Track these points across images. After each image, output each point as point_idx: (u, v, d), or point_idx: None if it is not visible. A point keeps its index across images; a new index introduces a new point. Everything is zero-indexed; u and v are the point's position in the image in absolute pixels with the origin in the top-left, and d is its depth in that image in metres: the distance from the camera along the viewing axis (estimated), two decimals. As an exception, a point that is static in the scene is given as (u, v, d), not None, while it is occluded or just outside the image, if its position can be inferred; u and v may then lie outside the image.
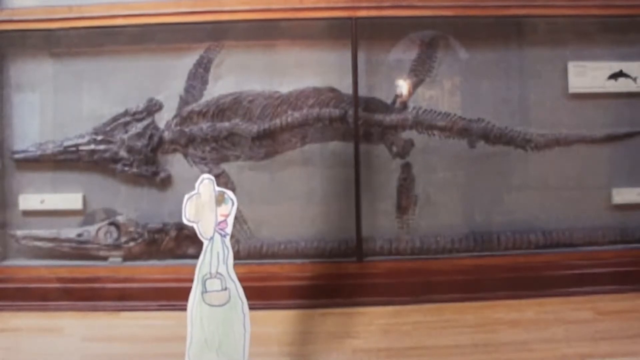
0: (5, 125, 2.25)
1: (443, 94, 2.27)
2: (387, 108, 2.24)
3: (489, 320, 1.91)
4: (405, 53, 2.25)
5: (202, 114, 2.23)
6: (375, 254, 2.19)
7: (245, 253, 2.20)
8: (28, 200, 2.24)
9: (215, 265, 1.36)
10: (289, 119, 2.22)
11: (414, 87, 2.25)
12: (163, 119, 2.24)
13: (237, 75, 2.24)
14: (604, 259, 2.16)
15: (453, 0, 2.13)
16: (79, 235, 2.19)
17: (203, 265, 1.37)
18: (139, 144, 2.21)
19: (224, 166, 2.25)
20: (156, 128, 2.23)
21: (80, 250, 2.20)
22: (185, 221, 1.36)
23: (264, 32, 2.22)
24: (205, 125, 2.22)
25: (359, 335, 1.83)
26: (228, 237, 1.36)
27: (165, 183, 2.25)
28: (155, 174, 2.23)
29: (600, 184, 2.28)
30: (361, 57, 2.18)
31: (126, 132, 2.22)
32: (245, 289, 2.06)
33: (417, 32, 2.23)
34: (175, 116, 2.23)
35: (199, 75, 2.23)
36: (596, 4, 2.16)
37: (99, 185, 2.25)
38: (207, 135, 2.22)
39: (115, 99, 2.23)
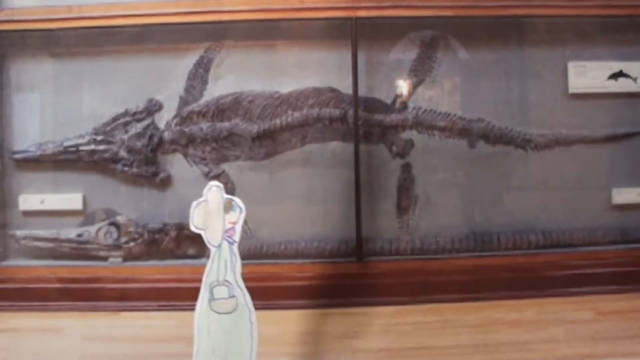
0: (5, 125, 2.25)
1: (443, 94, 2.27)
2: (387, 108, 2.24)
3: (489, 320, 1.91)
4: (405, 53, 2.24)
5: (202, 114, 2.23)
6: (375, 254, 2.19)
7: (245, 253, 2.18)
8: (28, 201, 2.24)
9: (223, 272, 1.35)
10: (289, 119, 2.22)
11: (414, 87, 2.25)
12: (163, 119, 2.24)
13: (237, 76, 2.24)
14: (604, 259, 2.16)
15: (453, 0, 2.13)
16: (79, 235, 2.19)
17: (210, 272, 1.35)
18: (139, 144, 2.21)
19: (224, 166, 2.25)
20: (156, 128, 2.23)
21: (80, 251, 2.20)
22: (192, 228, 1.35)
23: (264, 32, 2.22)
24: (205, 125, 2.22)
25: (358, 335, 1.83)
26: (236, 245, 1.36)
27: (165, 183, 2.25)
28: (155, 174, 2.23)
29: (600, 184, 2.28)
30: (361, 57, 2.18)
31: (126, 132, 2.22)
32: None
33: (417, 32, 2.23)
34: (175, 116, 2.23)
35: (199, 75, 2.23)
36: (596, 4, 2.16)
37: (99, 185, 2.25)
38: (207, 135, 2.22)
39: (115, 99, 2.23)
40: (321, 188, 2.24)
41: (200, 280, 2.08)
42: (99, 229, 2.20)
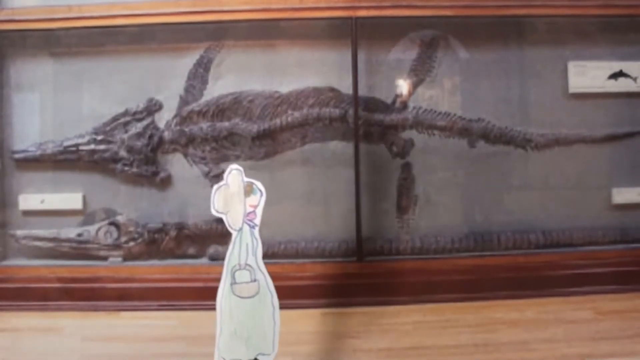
0: (5, 125, 2.25)
1: (443, 93, 2.27)
2: (387, 108, 2.24)
3: (489, 320, 1.91)
4: (405, 53, 2.24)
5: (202, 113, 2.23)
6: (375, 254, 2.19)
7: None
8: (28, 200, 2.24)
9: (244, 256, 1.34)
10: (289, 119, 2.22)
11: (414, 86, 2.25)
12: (163, 118, 2.24)
13: (237, 75, 2.24)
14: (604, 258, 2.16)
15: (453, 0, 2.13)
16: (79, 235, 2.19)
17: (232, 256, 1.34)
18: (139, 143, 2.21)
19: (224, 166, 2.25)
20: (156, 128, 2.23)
21: (80, 250, 2.20)
22: (213, 212, 1.34)
23: (264, 31, 2.22)
24: (205, 125, 2.22)
25: (359, 335, 1.83)
26: (257, 228, 1.34)
27: (165, 183, 2.25)
28: (155, 173, 2.23)
29: (600, 184, 2.28)
30: (361, 56, 2.18)
31: (126, 132, 2.22)
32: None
33: (417, 31, 2.23)
34: (175, 116, 2.23)
35: (199, 75, 2.23)
36: (596, 4, 2.16)
37: (99, 185, 2.24)
38: (207, 135, 2.22)
39: (115, 99, 2.23)
40: (321, 188, 2.24)
41: (199, 280, 2.10)
42: (99, 229, 2.20)
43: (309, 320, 1.94)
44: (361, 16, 2.13)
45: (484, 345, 1.71)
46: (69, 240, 2.19)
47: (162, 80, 2.24)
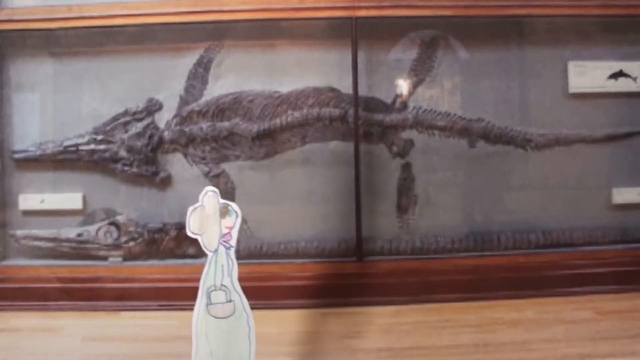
0: (5, 125, 2.25)
1: (443, 93, 2.27)
2: (387, 108, 2.24)
3: (489, 320, 1.91)
4: (405, 53, 2.24)
5: (202, 113, 2.23)
6: (375, 254, 2.19)
7: (245, 253, 2.20)
8: (28, 200, 2.24)
9: (220, 277, 1.35)
10: (289, 119, 2.22)
11: (414, 86, 2.25)
12: (163, 118, 2.24)
13: (237, 75, 2.24)
14: (604, 258, 2.16)
15: (453, 0, 2.13)
16: (79, 235, 2.19)
17: (207, 277, 1.36)
18: (139, 143, 2.21)
19: (224, 166, 2.25)
20: (156, 128, 2.23)
21: (80, 250, 2.20)
22: (189, 233, 1.35)
23: (264, 31, 2.22)
24: (205, 125, 2.22)
25: (359, 335, 1.83)
26: (233, 250, 1.36)
27: (165, 183, 2.25)
28: (155, 173, 2.23)
29: (600, 184, 2.28)
30: (361, 56, 2.18)
31: (126, 131, 2.22)
32: (245, 288, 2.06)
33: (417, 31, 2.23)
34: (175, 116, 2.23)
35: (199, 75, 2.23)
36: (596, 4, 2.16)
37: (99, 185, 2.25)
38: (207, 135, 2.22)
39: (115, 99, 2.23)
40: (321, 188, 2.24)
41: (199, 280, 2.09)
42: (99, 229, 2.20)
43: (308, 320, 1.94)
44: (361, 16, 2.13)
45: (484, 345, 1.71)
46: (69, 240, 2.19)
47: (162, 80, 2.24)
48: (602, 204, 2.28)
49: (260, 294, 2.05)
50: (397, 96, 2.25)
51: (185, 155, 2.24)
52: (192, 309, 2.04)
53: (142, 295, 2.09)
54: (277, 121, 2.22)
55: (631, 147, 2.28)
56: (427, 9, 2.13)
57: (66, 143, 2.21)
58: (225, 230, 1.36)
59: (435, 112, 2.24)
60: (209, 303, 1.35)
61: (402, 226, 2.25)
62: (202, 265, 2.24)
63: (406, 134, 2.24)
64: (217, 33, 2.22)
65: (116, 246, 2.19)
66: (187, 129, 2.22)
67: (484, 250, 2.20)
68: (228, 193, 2.23)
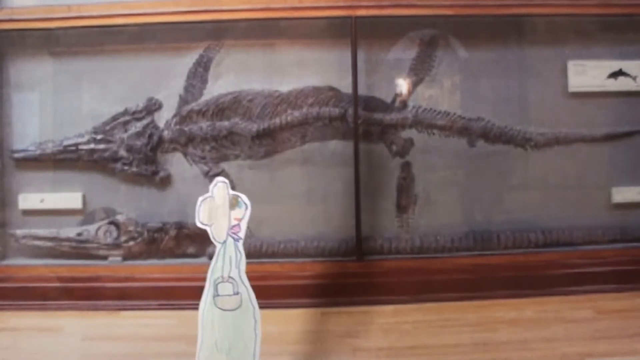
0: (5, 124, 2.25)
1: (443, 93, 2.27)
2: (386, 107, 2.24)
3: (489, 319, 1.91)
4: (404, 52, 2.24)
5: (201, 113, 2.23)
6: (375, 253, 2.19)
7: (245, 252, 2.19)
8: (28, 200, 2.24)
9: (228, 269, 1.35)
10: (289, 118, 2.22)
11: (414, 86, 2.25)
12: (163, 118, 2.24)
13: (236, 75, 2.24)
14: (603, 257, 2.16)
15: (453, 0, 2.13)
16: (79, 234, 2.19)
17: (215, 268, 1.35)
18: (139, 143, 2.21)
19: (224, 165, 2.25)
20: (156, 127, 2.23)
21: (80, 250, 2.20)
22: (198, 224, 1.34)
23: (263, 31, 2.22)
24: (204, 124, 2.22)
25: (359, 334, 1.83)
26: (241, 242, 1.35)
27: (165, 182, 2.25)
28: (155, 173, 2.23)
29: (600, 183, 2.28)
30: (361, 56, 2.18)
31: (126, 131, 2.22)
32: (245, 288, 2.06)
33: (417, 31, 2.23)
34: (174, 115, 2.23)
35: (199, 74, 2.23)
36: (596, 3, 2.16)
37: (98, 184, 2.24)
38: (206, 134, 2.22)
39: (114, 98, 2.23)
40: (321, 187, 2.24)
41: (199, 279, 2.08)
42: (99, 228, 2.20)
43: (308, 320, 1.94)
44: (361, 16, 2.13)
45: (484, 345, 1.71)
46: (68, 239, 2.19)
47: (162, 79, 2.24)
48: (602, 203, 2.28)
49: (260, 293, 2.04)
50: (396, 95, 2.25)
51: (185, 154, 2.24)
52: (192, 308, 2.04)
53: (142, 295, 2.09)
54: (277, 120, 2.22)
55: (631, 146, 2.28)
56: (426, 8, 2.13)
57: (66, 142, 2.21)
58: (234, 222, 1.35)
59: (434, 111, 2.24)
60: (216, 294, 1.35)
61: (402, 225, 2.25)
62: (202, 265, 2.24)
63: (406, 133, 2.24)
64: (216, 32, 2.22)
65: (116, 245, 2.19)
66: (186, 129, 2.22)
67: (483, 249, 2.20)
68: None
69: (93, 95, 2.25)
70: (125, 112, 2.22)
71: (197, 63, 2.23)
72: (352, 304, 2.05)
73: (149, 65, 2.23)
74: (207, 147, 2.23)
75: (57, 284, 2.11)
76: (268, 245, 2.20)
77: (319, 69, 2.23)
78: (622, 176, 2.28)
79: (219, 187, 1.35)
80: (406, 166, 2.24)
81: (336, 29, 2.18)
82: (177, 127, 2.22)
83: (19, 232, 2.21)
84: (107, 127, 2.22)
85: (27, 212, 2.25)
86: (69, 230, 2.20)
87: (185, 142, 2.22)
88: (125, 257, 2.20)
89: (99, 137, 2.21)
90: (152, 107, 2.23)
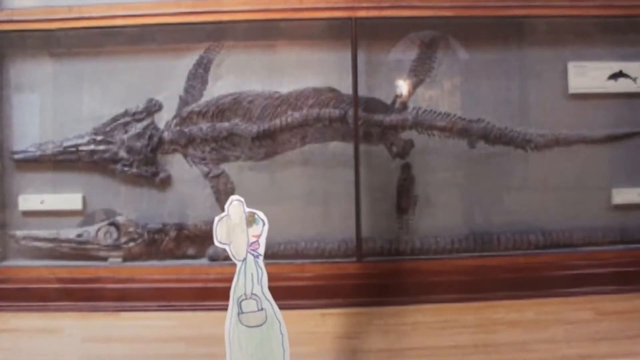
0: (5, 125, 2.25)
1: (443, 94, 2.27)
2: (387, 108, 2.24)
3: (489, 320, 1.91)
4: (405, 53, 2.24)
5: (201, 114, 2.23)
6: (375, 254, 2.19)
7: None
8: (28, 201, 2.24)
9: (250, 286, 1.35)
10: (289, 119, 2.22)
11: (414, 87, 2.25)
12: (163, 119, 2.24)
13: (237, 76, 2.24)
14: (603, 259, 2.16)
15: (453, 0, 2.13)
16: (79, 235, 2.19)
17: (237, 286, 1.35)
18: (139, 144, 2.21)
19: (224, 166, 2.25)
20: (156, 128, 2.23)
21: (80, 251, 2.20)
22: (217, 244, 1.34)
23: (263, 32, 2.22)
24: (205, 125, 2.22)
25: (358, 335, 1.83)
26: (261, 258, 1.35)
27: (165, 183, 2.25)
28: (155, 174, 2.23)
29: (600, 184, 2.28)
30: (361, 57, 2.18)
31: (126, 132, 2.22)
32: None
33: (417, 32, 2.23)
34: (175, 116, 2.23)
35: (199, 75, 2.23)
36: (596, 4, 2.16)
37: (98, 185, 2.24)
38: (206, 135, 2.22)
39: (115, 99, 2.23)
40: (321, 188, 2.24)
41: (199, 280, 2.10)
42: (99, 229, 2.20)
43: (308, 321, 1.94)
44: (361, 17, 2.13)
45: (484, 346, 1.71)
46: (68, 240, 2.19)
47: (162, 80, 2.24)
48: (602, 205, 2.28)
49: (260, 294, 2.05)
50: (396, 97, 2.25)
51: (185, 155, 2.24)
52: (192, 310, 2.05)
53: (142, 296, 2.09)
54: (277, 122, 2.22)
55: (631, 147, 2.28)
56: (427, 9, 2.13)
57: (66, 144, 2.21)
58: (252, 239, 1.36)
59: (435, 112, 2.24)
60: (240, 312, 1.35)
61: (402, 227, 2.25)
62: (202, 266, 2.26)
63: (406, 135, 2.24)
64: (216, 33, 2.22)
65: (116, 247, 2.19)
66: (186, 130, 2.22)
67: (483, 250, 2.20)
68: (228, 194, 2.23)
69: (93, 96, 2.25)
70: (125, 113, 2.22)
71: (197, 64, 2.23)
72: (351, 305, 2.05)
73: (149, 66, 2.23)
74: (207, 149, 2.23)
75: (57, 285, 2.11)
76: (268, 246, 2.17)
77: (319, 70, 2.23)
78: (622, 177, 2.28)
79: (235, 206, 1.35)
80: (406, 167, 2.24)
81: (336, 30, 2.18)
82: (177, 128, 2.22)
83: (19, 233, 2.22)
84: (107, 128, 2.22)
85: (27, 214, 2.25)
86: (69, 232, 2.20)
87: (185, 143, 2.23)
88: (126, 259, 2.20)
89: (99, 138, 2.21)
90: (152, 108, 2.23)
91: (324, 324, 1.92)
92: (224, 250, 2.24)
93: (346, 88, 2.20)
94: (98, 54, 2.23)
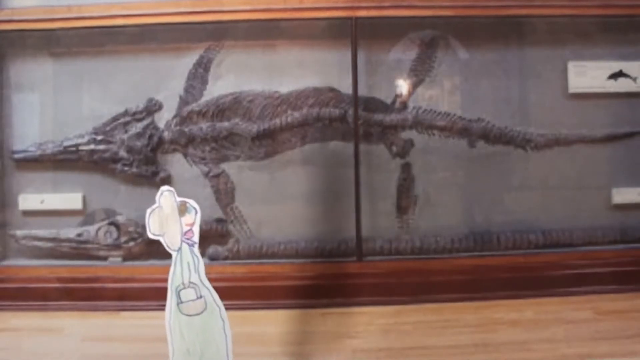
0: (5, 125, 2.25)
1: (443, 93, 2.27)
2: (387, 108, 2.24)
3: (489, 320, 1.91)
4: (405, 53, 2.24)
5: (201, 113, 2.23)
6: (375, 254, 2.19)
7: (245, 253, 2.20)
8: (28, 200, 2.24)
9: (187, 275, 1.36)
10: (289, 119, 2.22)
11: (414, 87, 2.25)
12: (163, 118, 2.24)
13: (237, 75, 2.24)
14: (603, 258, 2.16)
15: (453, 0, 2.13)
16: (79, 235, 2.19)
17: (175, 276, 1.36)
18: (139, 143, 2.21)
19: (224, 166, 2.25)
20: (156, 128, 2.23)
21: (80, 250, 2.20)
22: (150, 235, 1.35)
23: (263, 32, 2.22)
24: (205, 125, 2.22)
25: (359, 335, 1.83)
26: (196, 246, 1.36)
27: (165, 183, 2.24)
28: (155, 173, 2.23)
29: (600, 184, 2.28)
30: (361, 57, 2.18)
31: (126, 132, 2.22)
32: (245, 288, 2.07)
33: (417, 32, 2.23)
34: (175, 116, 2.23)
35: (199, 75, 2.23)
36: (596, 4, 2.16)
37: (98, 185, 2.25)
38: (206, 135, 2.22)
39: (115, 99, 2.23)
40: (321, 188, 2.24)
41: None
42: (99, 229, 2.20)
43: (308, 320, 1.94)
44: (361, 16, 2.13)
45: (484, 346, 1.71)
46: (68, 240, 2.19)
47: (162, 80, 2.24)
48: (602, 204, 2.28)
49: (260, 294, 2.06)
50: (396, 96, 2.25)
51: (185, 155, 2.24)
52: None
53: (142, 295, 2.08)
54: (277, 121, 2.22)
55: (631, 147, 2.28)
56: (427, 9, 2.13)
57: (66, 143, 2.21)
58: (186, 228, 1.36)
59: (435, 112, 2.24)
60: (180, 302, 1.35)
61: (402, 226, 2.25)
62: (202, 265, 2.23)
63: (406, 134, 2.24)
64: (217, 33, 2.22)
65: (116, 246, 2.19)
66: (186, 129, 2.22)
67: (483, 250, 2.20)
68: (228, 193, 2.23)
69: (93, 95, 2.25)
70: (125, 113, 2.22)
71: (197, 64, 2.23)
72: (352, 304, 2.05)
73: (149, 66, 2.23)
74: (207, 148, 2.23)
75: (57, 285, 2.11)
76: (268, 246, 2.20)
77: (319, 70, 2.23)
78: (622, 177, 2.28)
79: (166, 196, 1.35)
80: (406, 167, 2.24)
81: (336, 30, 2.18)
82: (177, 127, 2.22)
83: (19, 232, 2.22)
84: (108, 128, 2.22)
85: (27, 213, 2.25)
86: (69, 231, 2.20)
87: (185, 142, 2.23)
88: (125, 258, 2.20)
89: (99, 137, 2.21)
90: (153, 107, 2.23)
91: (324, 323, 1.92)
92: (224, 250, 2.25)
93: (346, 88, 2.20)
94: (98, 53, 2.23)
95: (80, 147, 2.20)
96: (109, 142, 2.21)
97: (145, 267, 2.17)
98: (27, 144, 2.23)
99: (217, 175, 2.23)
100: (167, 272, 2.13)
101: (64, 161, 2.22)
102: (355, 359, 1.67)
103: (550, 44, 2.26)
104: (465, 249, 2.21)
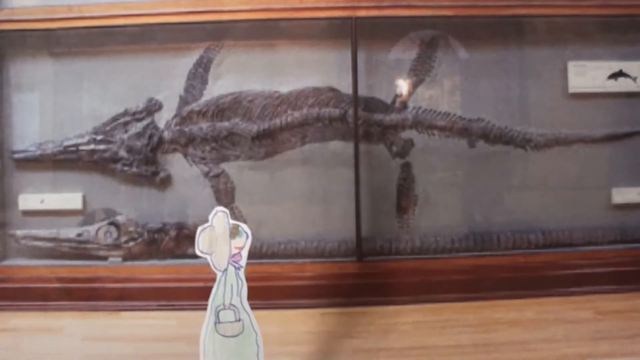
0: (5, 125, 2.25)
1: (443, 93, 2.27)
2: (387, 108, 2.24)
3: (489, 320, 1.91)
4: (405, 53, 2.24)
5: (201, 113, 2.23)
6: (375, 254, 2.19)
7: (245, 257, 2.19)
8: (28, 200, 2.24)
9: (229, 297, 1.36)
10: (289, 119, 2.22)
11: (414, 86, 2.25)
12: (163, 118, 2.24)
13: (237, 75, 2.24)
14: (603, 258, 2.16)
15: (453, 0, 2.13)
16: (79, 235, 2.19)
17: (216, 296, 1.36)
18: (139, 143, 2.21)
19: (224, 166, 2.25)
20: (156, 128, 2.23)
21: (80, 250, 2.20)
22: (198, 252, 1.36)
23: (263, 31, 2.22)
24: (205, 125, 2.22)
25: (358, 335, 1.83)
26: (242, 270, 1.36)
27: (165, 183, 2.25)
28: (155, 173, 2.23)
29: (600, 184, 2.28)
30: (361, 56, 2.18)
31: (126, 131, 2.22)
32: (245, 288, 2.06)
33: (417, 31, 2.23)
34: (175, 116, 2.23)
35: (199, 75, 2.23)
36: (596, 4, 2.16)
37: (98, 185, 2.24)
38: (206, 135, 2.22)
39: (115, 99, 2.23)
40: (321, 188, 2.24)
41: (199, 280, 2.10)
42: (99, 229, 2.20)
43: (308, 320, 1.94)
44: (361, 16, 2.13)
45: (484, 345, 1.71)
46: (68, 240, 2.19)
47: (162, 80, 2.24)
48: (602, 204, 2.28)
49: (260, 294, 2.04)
50: (396, 96, 2.25)
51: (185, 155, 2.24)
52: (192, 309, 2.05)
53: (142, 295, 2.09)
54: (277, 121, 2.22)
55: (631, 147, 2.28)
56: (427, 9, 2.13)
57: (66, 143, 2.21)
58: (234, 251, 1.36)
59: (435, 112, 2.24)
60: (218, 322, 1.36)
61: (402, 226, 2.25)
62: (202, 265, 2.24)
63: (406, 134, 2.24)
64: (217, 33, 2.22)
65: (116, 246, 2.19)
66: (186, 129, 2.22)
67: (483, 250, 2.20)
68: (228, 193, 2.23)
69: (93, 95, 2.25)
70: (125, 113, 2.22)
71: (197, 64, 2.23)
72: (352, 304, 2.05)
73: (149, 65, 2.23)
74: (207, 148, 2.23)
75: (57, 285, 2.11)
76: (268, 246, 2.20)
77: (319, 70, 2.23)
78: (622, 177, 2.28)
79: (219, 217, 1.36)
80: (406, 167, 2.24)
81: (336, 30, 2.18)
82: (177, 127, 2.22)
83: (19, 232, 2.21)
84: (107, 128, 2.22)
85: (27, 213, 2.25)
86: (69, 231, 2.20)
87: (185, 142, 2.23)
88: (126, 258, 2.20)
89: (99, 137, 2.21)
90: (152, 107, 2.23)
91: (324, 323, 1.92)
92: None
93: (346, 87, 2.20)
94: (98, 53, 2.23)
95: (80, 147, 2.20)
96: (109, 142, 2.22)
97: (145, 267, 2.17)
98: (27, 144, 2.23)
99: (217, 175, 2.23)
100: (167, 272, 2.14)
101: (64, 161, 2.22)
102: (355, 359, 1.67)
103: (550, 43, 2.26)
104: (465, 248, 2.21)
